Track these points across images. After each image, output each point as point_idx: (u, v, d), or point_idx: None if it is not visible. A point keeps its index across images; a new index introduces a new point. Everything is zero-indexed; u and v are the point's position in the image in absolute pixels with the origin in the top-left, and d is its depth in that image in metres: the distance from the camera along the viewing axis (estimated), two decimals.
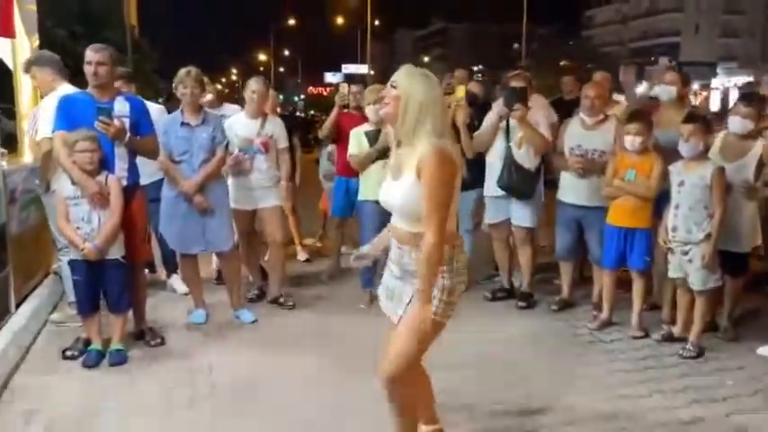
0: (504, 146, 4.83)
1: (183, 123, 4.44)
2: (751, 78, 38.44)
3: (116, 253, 3.86)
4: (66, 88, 4.30)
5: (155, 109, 4.91)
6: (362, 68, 43.86)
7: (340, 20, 52.87)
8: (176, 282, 5.25)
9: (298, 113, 29.20)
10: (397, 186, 2.44)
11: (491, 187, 4.97)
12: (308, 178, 6.76)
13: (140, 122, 4.02)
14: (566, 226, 4.79)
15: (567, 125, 4.79)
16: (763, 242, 4.38)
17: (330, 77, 52.95)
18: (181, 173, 4.40)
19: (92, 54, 3.87)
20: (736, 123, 4.20)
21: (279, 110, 6.28)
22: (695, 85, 33.19)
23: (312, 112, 37.17)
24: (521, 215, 4.95)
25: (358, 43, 48.36)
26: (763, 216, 4.32)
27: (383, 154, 4.36)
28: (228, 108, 5.65)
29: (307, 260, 6.40)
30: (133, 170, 4.04)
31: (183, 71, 4.47)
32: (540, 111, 4.86)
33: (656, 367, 3.86)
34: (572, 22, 65.59)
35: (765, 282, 5.09)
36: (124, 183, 3.93)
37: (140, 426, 3.17)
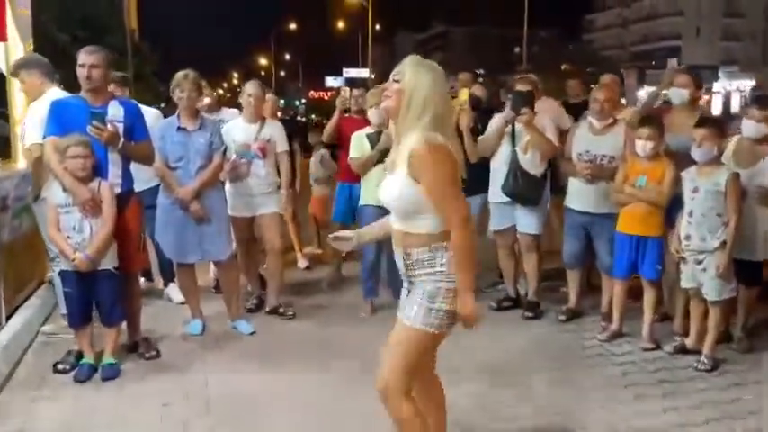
0: (509, 151, 4.70)
1: (179, 128, 4.31)
2: (753, 82, 38.49)
3: (108, 263, 3.72)
4: (56, 92, 4.17)
5: (150, 113, 4.79)
6: (363, 72, 43.80)
7: (341, 24, 52.92)
8: (173, 291, 5.11)
9: (299, 117, 29.19)
10: (391, 180, 2.36)
11: (496, 193, 4.83)
12: (308, 184, 6.64)
13: (135, 127, 3.90)
14: (573, 233, 4.65)
15: (574, 130, 4.67)
16: None
17: (331, 81, 52.93)
18: (177, 179, 4.27)
19: (85, 56, 3.75)
20: (750, 127, 4.06)
21: (280, 114, 6.18)
22: None
23: (313, 116, 37.13)
24: (526, 222, 4.82)
25: (359, 47, 48.33)
26: None
27: (385, 156, 4.23)
28: (227, 112, 5.54)
29: (307, 267, 6.27)
30: (127, 176, 3.92)
31: (180, 74, 4.35)
32: (546, 115, 4.75)
33: (670, 381, 3.72)
34: (573, 26, 65.67)
35: None
36: (118, 189, 3.80)
37: None
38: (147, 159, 4.05)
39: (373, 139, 4.62)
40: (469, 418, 3.18)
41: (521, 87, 4.68)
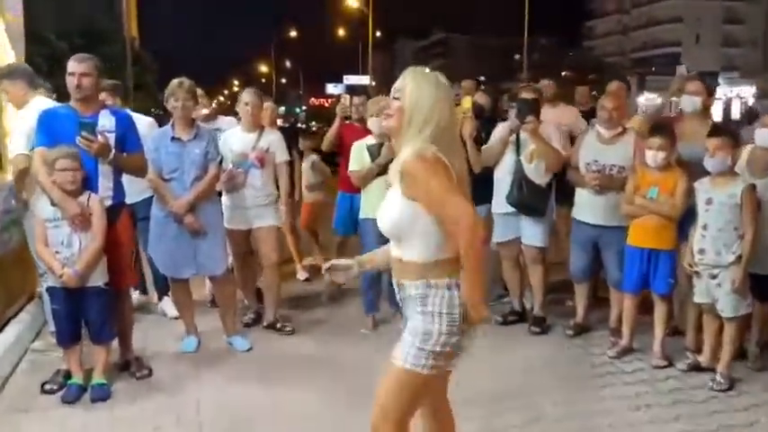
0: (513, 160, 4.56)
1: (173, 138, 4.17)
2: (753, 88, 38.34)
3: (98, 279, 3.57)
4: (41, 101, 4.03)
5: (143, 122, 4.66)
6: (364, 79, 43.71)
7: (341, 31, 52.91)
8: (167, 305, 4.95)
9: (299, 125, 29.09)
10: (389, 202, 2.20)
11: (500, 204, 4.68)
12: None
13: (127, 138, 3.75)
14: (581, 246, 4.50)
15: (581, 138, 4.53)
16: None
17: (332, 89, 52.85)
18: (171, 191, 4.13)
19: (75, 65, 3.61)
20: (764, 136, 3.92)
21: (280, 122, 6.05)
22: None
23: (314, 122, 37.06)
24: (531, 233, 4.67)
25: (359, 54, 48.28)
26: None
27: (386, 169, 4.09)
28: (224, 121, 5.41)
29: (306, 279, 6.12)
30: (118, 189, 3.77)
31: (174, 82, 4.22)
32: (551, 125, 4.61)
33: (684, 401, 3.56)
34: (573, 33, 65.75)
35: None
36: (108, 203, 3.65)
37: None
38: (140, 171, 3.91)
39: (374, 152, 4.47)
40: None
41: (525, 95, 4.54)
